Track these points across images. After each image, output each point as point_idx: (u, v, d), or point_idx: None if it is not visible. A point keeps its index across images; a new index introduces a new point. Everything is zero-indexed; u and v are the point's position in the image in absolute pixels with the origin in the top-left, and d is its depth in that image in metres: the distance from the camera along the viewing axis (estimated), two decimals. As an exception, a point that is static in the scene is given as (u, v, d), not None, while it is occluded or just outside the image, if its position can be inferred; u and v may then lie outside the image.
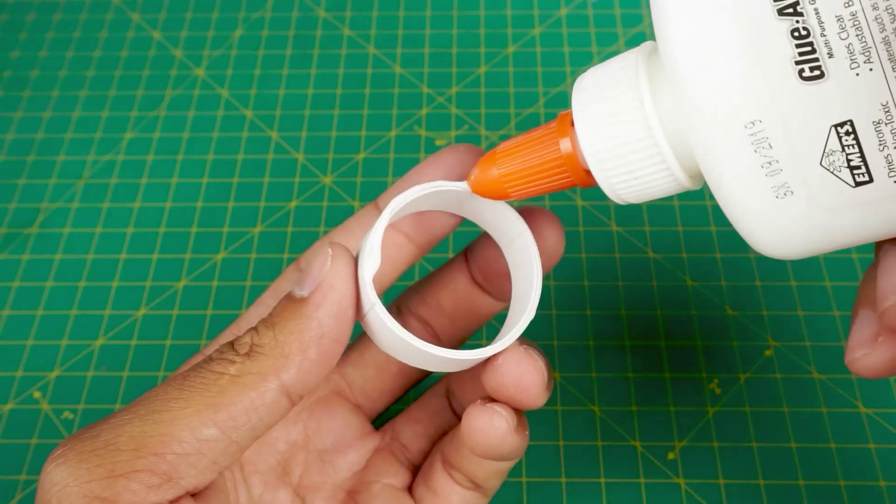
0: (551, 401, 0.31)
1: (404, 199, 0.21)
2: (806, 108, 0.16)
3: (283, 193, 0.37)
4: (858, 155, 0.16)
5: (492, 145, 0.38)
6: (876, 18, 0.15)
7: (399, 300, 0.26)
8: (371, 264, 0.20)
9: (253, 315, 0.24)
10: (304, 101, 0.40)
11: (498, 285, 0.24)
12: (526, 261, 0.22)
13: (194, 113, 0.40)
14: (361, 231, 0.24)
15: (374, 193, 0.36)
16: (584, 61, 0.40)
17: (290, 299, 0.20)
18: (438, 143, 0.38)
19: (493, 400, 0.22)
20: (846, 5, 0.15)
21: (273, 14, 0.43)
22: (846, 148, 0.16)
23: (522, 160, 0.20)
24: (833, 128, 0.16)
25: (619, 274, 0.34)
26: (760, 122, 0.16)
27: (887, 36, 0.15)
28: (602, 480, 0.29)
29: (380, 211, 0.24)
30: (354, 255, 0.21)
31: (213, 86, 0.41)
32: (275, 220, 0.36)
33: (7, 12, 0.44)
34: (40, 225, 0.37)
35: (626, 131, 0.18)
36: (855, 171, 0.16)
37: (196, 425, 0.18)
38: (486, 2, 0.43)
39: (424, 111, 0.39)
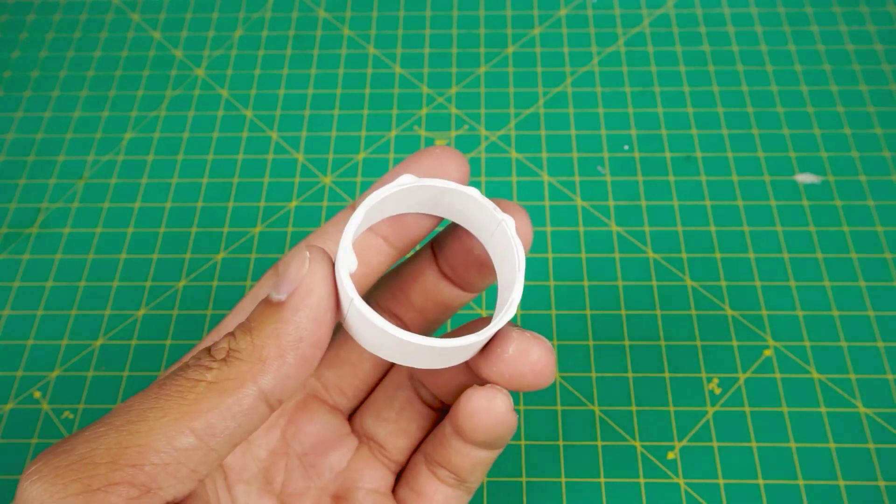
0: (551, 400, 0.31)
1: (377, 197, 0.21)
2: None
3: (283, 193, 0.37)
4: None
5: (492, 145, 0.38)
6: None
7: (367, 296, 0.26)
8: (346, 261, 0.20)
9: (230, 322, 0.24)
10: (304, 101, 0.40)
11: (467, 277, 0.24)
12: (508, 248, 0.22)
13: (194, 113, 0.40)
14: (340, 234, 0.23)
15: (374, 193, 0.37)
16: (584, 61, 0.40)
17: (267, 303, 0.20)
18: (438, 143, 0.38)
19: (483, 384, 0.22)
20: None
21: (273, 14, 0.43)
22: None
23: None
24: None
25: (619, 274, 0.34)
26: None
27: None
28: (602, 480, 0.29)
29: None
30: (334, 258, 0.20)
31: (213, 86, 0.41)
32: (275, 220, 0.36)
33: (7, 12, 0.44)
34: (40, 225, 0.37)
35: None
36: None
37: (173, 434, 0.18)
38: (486, 2, 0.43)
39: (424, 111, 0.39)
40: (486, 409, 0.21)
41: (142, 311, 0.34)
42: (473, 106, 0.39)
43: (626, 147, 0.38)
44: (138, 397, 0.18)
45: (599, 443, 0.30)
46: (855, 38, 0.41)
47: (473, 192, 0.22)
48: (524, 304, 0.34)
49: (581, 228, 0.35)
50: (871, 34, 0.41)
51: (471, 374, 0.24)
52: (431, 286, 0.25)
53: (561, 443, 0.30)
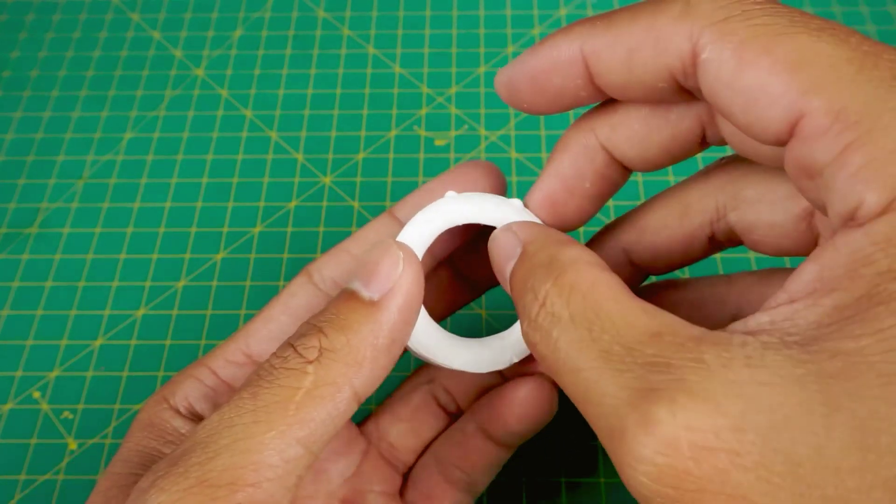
0: (551, 401, 0.31)
1: (432, 216, 0.22)
2: None
3: (283, 193, 0.37)
4: None
5: (492, 145, 0.38)
6: None
7: None
8: None
9: (263, 331, 0.23)
10: (304, 101, 0.40)
11: (483, 278, 0.25)
12: None
13: (194, 113, 0.40)
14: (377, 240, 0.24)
15: (373, 193, 0.37)
16: (584, 61, 0.40)
17: (356, 300, 0.19)
18: (438, 143, 0.38)
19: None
20: None
21: (273, 14, 0.43)
22: None
23: None
24: None
25: (619, 274, 0.34)
26: None
27: None
28: (602, 480, 0.29)
29: (397, 221, 0.24)
30: None
31: (212, 86, 0.41)
32: (274, 220, 0.36)
33: (7, 12, 0.44)
34: (40, 225, 0.37)
35: None
36: None
37: (282, 448, 0.18)
38: (486, 2, 0.43)
39: (424, 111, 0.39)
40: (536, 397, 0.22)
41: (141, 311, 0.34)
42: (473, 106, 0.39)
43: (626, 147, 0.38)
44: (233, 409, 0.18)
45: (600, 443, 0.30)
46: (855, 38, 0.41)
47: (516, 202, 0.22)
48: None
49: (581, 228, 0.35)
50: (872, 34, 0.41)
51: (496, 377, 0.24)
52: (444, 286, 0.25)
53: (561, 443, 0.30)
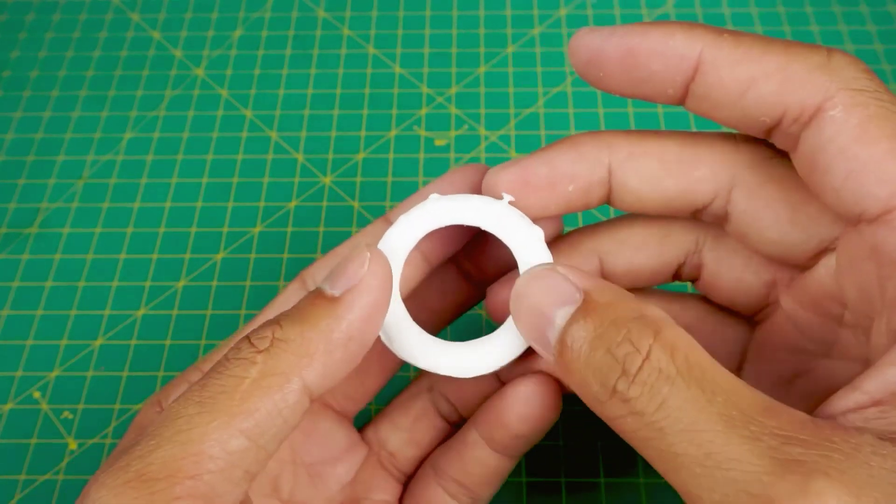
0: (551, 401, 0.31)
1: (414, 215, 0.22)
2: None
3: (283, 193, 0.37)
4: None
5: (492, 145, 0.38)
6: None
7: None
8: (396, 279, 0.20)
9: None
10: (304, 101, 0.40)
11: (488, 278, 0.25)
12: (539, 259, 0.22)
13: (194, 113, 0.40)
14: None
15: (373, 194, 0.36)
16: (584, 61, 0.40)
17: (319, 296, 0.19)
18: (438, 143, 0.38)
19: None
20: None
21: (273, 14, 0.43)
22: None
23: None
24: None
25: (619, 274, 0.34)
26: None
27: None
28: (602, 480, 0.29)
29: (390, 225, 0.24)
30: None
31: (212, 86, 0.41)
32: (274, 220, 0.36)
33: (7, 12, 0.44)
34: (40, 225, 0.37)
35: None
36: None
37: (225, 438, 0.17)
38: (486, 2, 0.43)
39: (424, 111, 0.39)
40: (540, 394, 0.22)
41: (141, 311, 0.34)
42: (473, 106, 0.39)
43: (626, 147, 0.37)
44: (181, 403, 0.18)
45: (599, 442, 0.30)
46: (855, 38, 0.41)
47: (505, 200, 0.22)
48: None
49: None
50: (871, 34, 0.41)
51: (496, 384, 0.24)
52: (450, 288, 0.25)
53: (561, 443, 0.30)
